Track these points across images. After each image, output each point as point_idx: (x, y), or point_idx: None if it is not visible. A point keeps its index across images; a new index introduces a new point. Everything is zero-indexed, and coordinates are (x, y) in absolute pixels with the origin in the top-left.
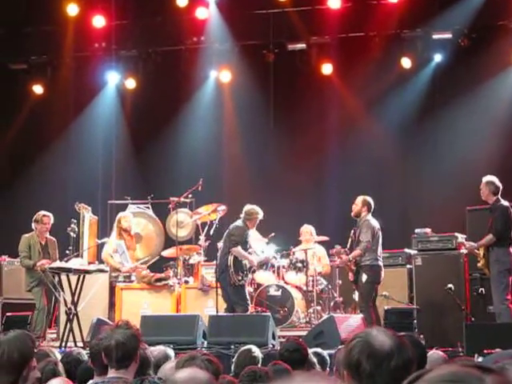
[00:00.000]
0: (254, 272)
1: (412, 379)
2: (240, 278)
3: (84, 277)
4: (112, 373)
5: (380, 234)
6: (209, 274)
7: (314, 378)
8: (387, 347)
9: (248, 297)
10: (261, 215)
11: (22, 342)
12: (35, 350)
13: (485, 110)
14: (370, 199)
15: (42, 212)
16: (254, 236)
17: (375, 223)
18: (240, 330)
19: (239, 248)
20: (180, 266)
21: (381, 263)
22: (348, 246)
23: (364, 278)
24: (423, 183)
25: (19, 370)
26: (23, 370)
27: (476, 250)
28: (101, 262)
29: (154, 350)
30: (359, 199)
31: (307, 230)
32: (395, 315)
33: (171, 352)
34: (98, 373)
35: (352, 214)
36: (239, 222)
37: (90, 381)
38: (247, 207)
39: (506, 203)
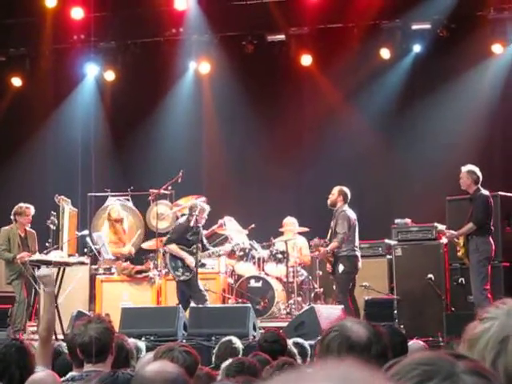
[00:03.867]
0: (202, 266)
1: (389, 365)
2: (180, 273)
3: (64, 269)
4: (89, 367)
5: (356, 224)
6: None
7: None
8: (364, 338)
9: (201, 288)
10: (206, 211)
11: None
12: None
13: (464, 100)
14: (346, 189)
15: (23, 204)
16: (233, 227)
17: (351, 214)
18: (221, 322)
19: (172, 245)
20: (160, 258)
21: (358, 253)
22: (328, 236)
23: (341, 268)
24: (403, 173)
25: None
26: None
27: (456, 239)
28: (81, 254)
29: None
30: (335, 189)
31: (291, 222)
32: (375, 305)
33: (142, 345)
34: (77, 365)
35: (328, 203)
36: (182, 219)
37: (69, 373)
38: (191, 202)
39: (486, 192)
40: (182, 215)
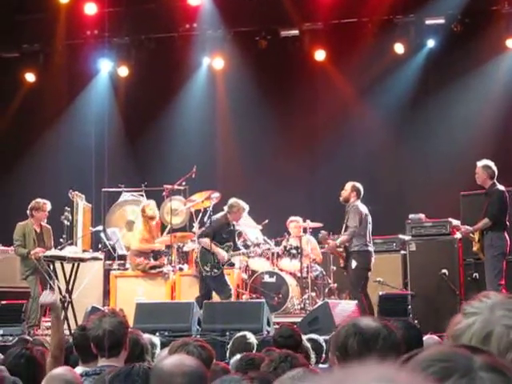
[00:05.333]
0: (230, 265)
1: (404, 360)
2: (208, 269)
3: (78, 265)
4: (103, 361)
5: (369, 219)
6: None
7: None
8: (373, 328)
9: (228, 283)
10: (245, 208)
11: None
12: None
13: (478, 95)
14: (359, 185)
15: (40, 200)
16: (247, 223)
17: (363, 208)
18: (235, 317)
19: (206, 239)
20: (174, 254)
21: (371, 248)
22: (342, 232)
23: (353, 264)
24: (417, 169)
25: None
26: None
27: (471, 234)
28: (96, 249)
29: None
30: (348, 185)
31: (294, 224)
32: (389, 301)
33: (157, 340)
34: (83, 361)
35: (341, 199)
36: (220, 214)
37: (80, 367)
38: (232, 200)
39: (501, 187)
40: (221, 211)
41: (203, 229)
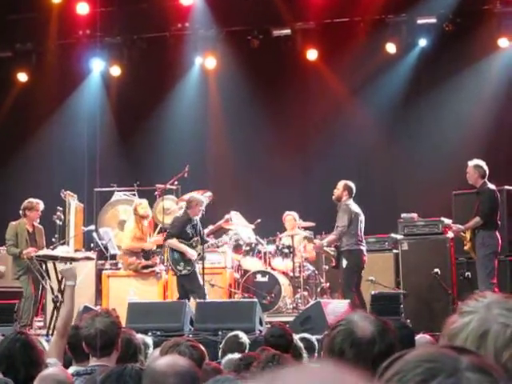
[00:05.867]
0: (202, 259)
1: (392, 360)
2: (181, 268)
3: (70, 264)
4: (94, 361)
5: (361, 218)
6: None
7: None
8: (369, 334)
9: (201, 284)
10: (203, 201)
11: None
12: None
13: (470, 95)
14: (351, 184)
15: (33, 199)
16: (240, 222)
17: (354, 207)
18: (227, 316)
19: (173, 240)
20: (166, 253)
21: (362, 247)
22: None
23: (344, 263)
24: (409, 168)
25: None
26: None
27: (462, 233)
28: (88, 249)
29: None
30: (340, 183)
31: (290, 217)
32: (382, 300)
33: (149, 340)
34: (77, 360)
35: (333, 197)
36: (180, 213)
37: (72, 367)
38: (189, 196)
39: (492, 186)
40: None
41: (168, 231)
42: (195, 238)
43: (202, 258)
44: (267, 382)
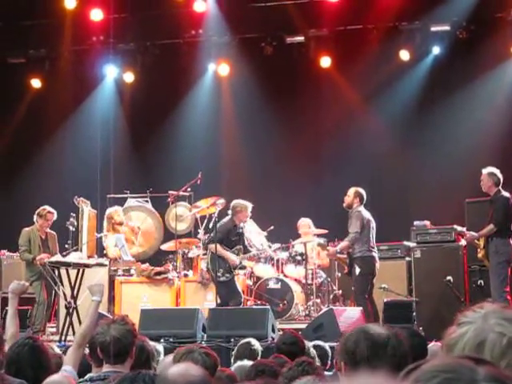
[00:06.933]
0: (242, 268)
1: (409, 370)
2: (220, 274)
3: (83, 271)
4: (107, 367)
5: (372, 225)
6: None
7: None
8: (384, 335)
9: (239, 290)
10: (248, 208)
11: None
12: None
13: (483, 103)
14: (362, 191)
15: (48, 208)
16: (252, 229)
17: (366, 214)
18: (240, 323)
19: (215, 245)
20: (179, 260)
21: (374, 254)
22: None
23: (357, 270)
24: (422, 176)
25: None
26: None
27: (476, 241)
28: (101, 255)
29: None
30: (351, 190)
31: (305, 223)
32: (394, 307)
33: (160, 347)
34: (96, 365)
35: (344, 205)
36: (226, 219)
37: (88, 374)
38: (233, 202)
39: (506, 194)
40: (226, 215)
41: (211, 235)
42: (238, 247)
43: (242, 267)
44: None
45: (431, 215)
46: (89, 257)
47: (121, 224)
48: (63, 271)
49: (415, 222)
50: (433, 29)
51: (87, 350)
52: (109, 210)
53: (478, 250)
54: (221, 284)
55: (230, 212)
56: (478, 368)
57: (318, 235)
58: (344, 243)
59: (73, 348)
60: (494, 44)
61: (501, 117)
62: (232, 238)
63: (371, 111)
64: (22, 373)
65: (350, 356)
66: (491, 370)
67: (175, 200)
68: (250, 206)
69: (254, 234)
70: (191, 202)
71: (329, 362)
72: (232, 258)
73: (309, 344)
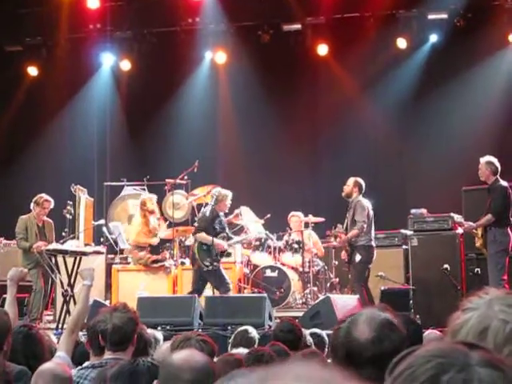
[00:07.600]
0: (227, 255)
1: (402, 356)
2: (208, 263)
3: (80, 258)
4: (109, 354)
5: (372, 214)
6: None
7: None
8: (363, 339)
9: (226, 277)
10: (228, 197)
11: None
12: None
13: (481, 90)
14: (361, 180)
15: (45, 196)
16: (249, 217)
17: (368, 203)
18: (236, 311)
19: (202, 234)
20: (176, 248)
21: (373, 244)
22: (344, 227)
23: (358, 258)
24: (419, 164)
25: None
26: (3, 345)
27: (474, 230)
28: (98, 243)
29: None
30: (351, 180)
31: (295, 219)
32: (391, 295)
33: (160, 335)
34: (95, 354)
35: (343, 194)
36: (207, 209)
37: (87, 362)
38: (214, 191)
39: (504, 183)
40: (206, 204)
41: (196, 225)
42: (222, 235)
43: (227, 254)
44: (257, 380)
45: (428, 203)
46: (86, 245)
47: (152, 213)
48: (60, 259)
49: (412, 210)
50: (430, 17)
51: (84, 338)
52: (143, 197)
53: (476, 239)
54: (207, 273)
55: (211, 201)
56: (471, 353)
57: (315, 223)
58: (354, 231)
59: (66, 333)
60: (492, 32)
61: (498, 105)
62: (216, 226)
63: (368, 99)
64: (16, 361)
65: (333, 354)
66: (485, 354)
67: (172, 188)
68: (230, 194)
69: (251, 222)
70: (188, 190)
71: (326, 350)
72: (221, 243)
73: (306, 332)
